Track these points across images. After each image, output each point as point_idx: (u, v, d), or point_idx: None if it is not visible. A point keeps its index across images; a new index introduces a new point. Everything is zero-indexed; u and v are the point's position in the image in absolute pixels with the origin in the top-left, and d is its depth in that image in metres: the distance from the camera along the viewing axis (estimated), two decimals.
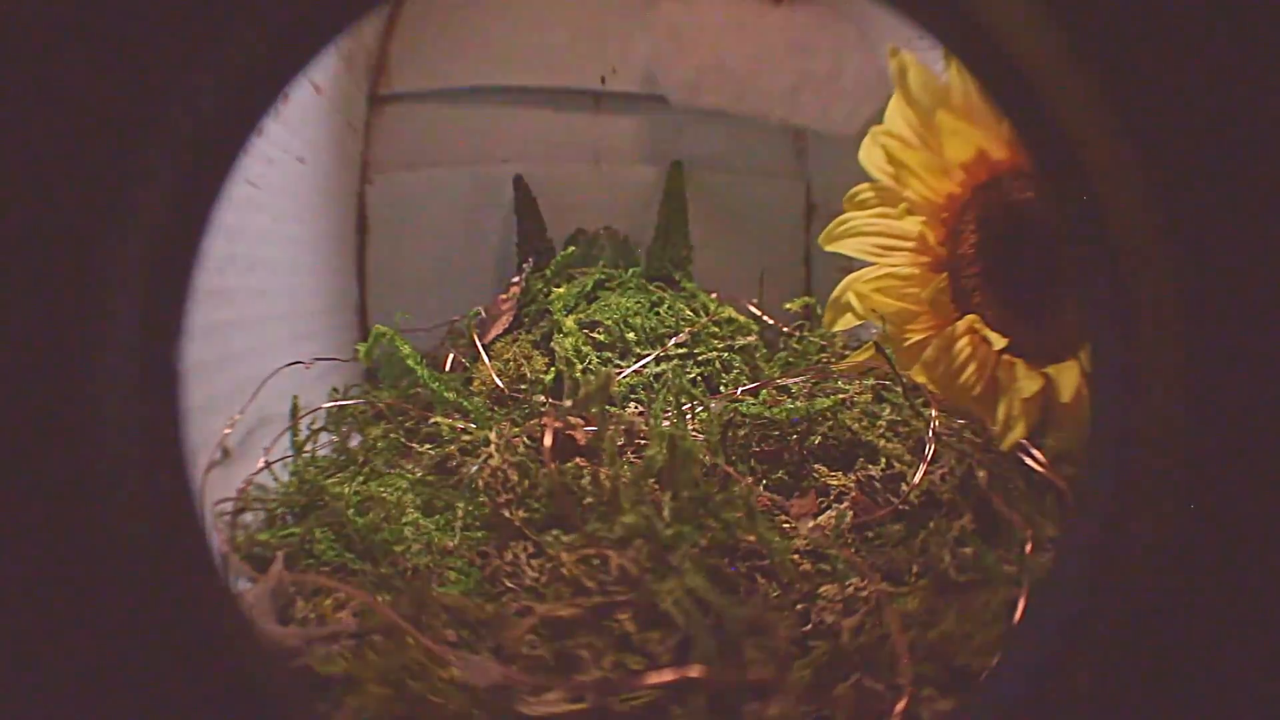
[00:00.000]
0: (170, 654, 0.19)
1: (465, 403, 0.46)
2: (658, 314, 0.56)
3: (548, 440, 0.34)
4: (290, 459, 0.43)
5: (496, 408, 0.47)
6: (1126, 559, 0.20)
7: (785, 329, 0.56)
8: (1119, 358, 0.21)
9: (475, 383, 0.51)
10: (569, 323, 0.53)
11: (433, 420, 0.45)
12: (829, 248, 0.43)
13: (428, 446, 0.44)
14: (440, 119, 0.69)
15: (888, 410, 0.41)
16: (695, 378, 0.51)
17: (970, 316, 0.38)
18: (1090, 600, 0.21)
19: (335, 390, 0.52)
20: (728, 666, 0.24)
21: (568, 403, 0.38)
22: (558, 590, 0.29)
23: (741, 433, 0.41)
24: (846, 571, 0.31)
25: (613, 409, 0.42)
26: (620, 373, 0.49)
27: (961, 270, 0.39)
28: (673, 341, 0.52)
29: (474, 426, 0.44)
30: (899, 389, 0.41)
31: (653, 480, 0.32)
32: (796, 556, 0.32)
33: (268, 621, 0.28)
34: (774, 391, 0.45)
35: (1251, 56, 0.18)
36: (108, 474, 0.18)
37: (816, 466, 0.39)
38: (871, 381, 0.43)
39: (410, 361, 0.48)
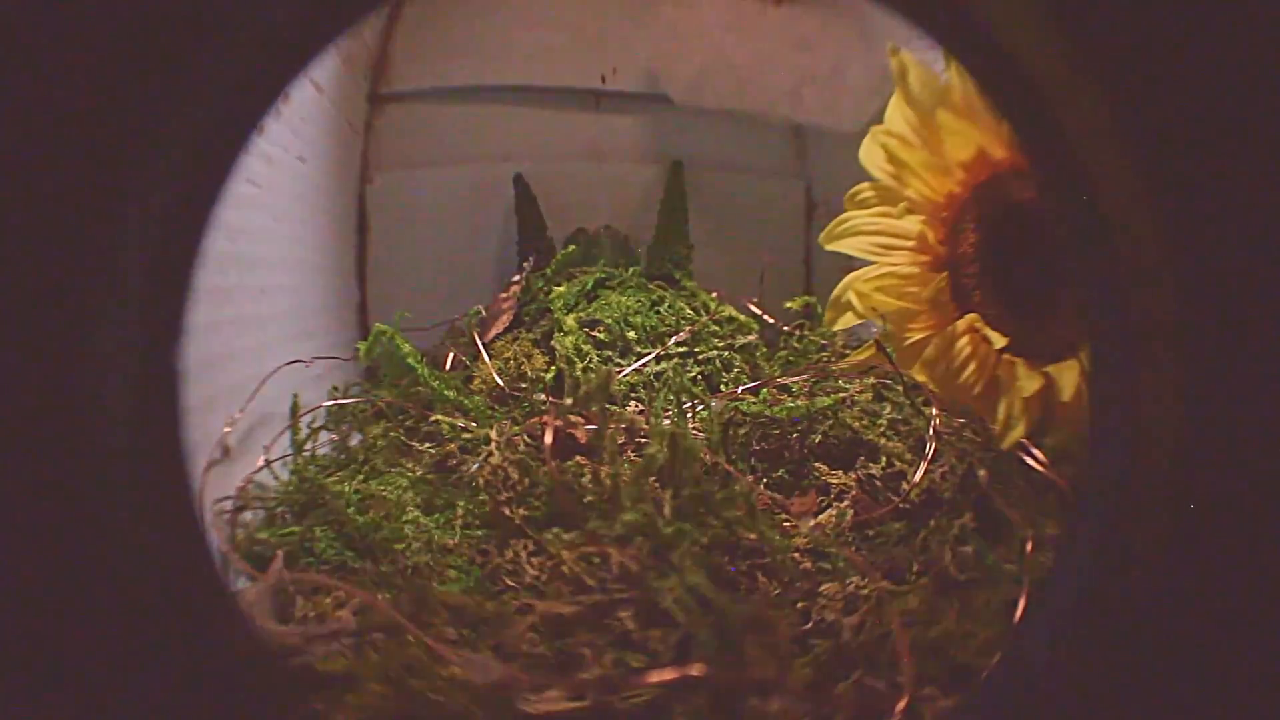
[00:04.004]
0: (169, 653, 0.19)
1: (465, 401, 0.46)
2: (658, 313, 0.56)
3: (548, 438, 0.34)
4: (290, 457, 0.43)
5: (497, 406, 0.47)
6: (1126, 559, 0.20)
7: (786, 328, 0.56)
8: (1119, 358, 0.21)
9: (475, 381, 0.51)
10: (569, 321, 0.53)
11: (433, 419, 0.45)
12: (829, 247, 0.43)
13: (428, 445, 0.44)
14: (440, 118, 0.70)
15: (888, 409, 0.41)
16: (696, 376, 0.51)
17: (970, 315, 0.38)
18: (1090, 600, 0.21)
19: (335, 389, 0.52)
20: (728, 664, 0.24)
21: (568, 401, 0.38)
22: (558, 588, 0.29)
23: (742, 431, 0.41)
24: (847, 570, 0.31)
25: (613, 407, 0.42)
26: (621, 371, 0.49)
27: (962, 269, 0.39)
28: (673, 340, 0.52)
29: (474, 425, 0.44)
30: (899, 388, 0.41)
31: (653, 478, 0.32)
32: (797, 555, 0.32)
33: (267, 620, 0.28)
34: (774, 390, 0.45)
35: (1251, 57, 0.18)
36: (108, 473, 0.18)
37: (817, 465, 0.39)
38: (872, 380, 0.43)
39: (410, 360, 0.48)
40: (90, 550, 0.18)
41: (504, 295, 0.61)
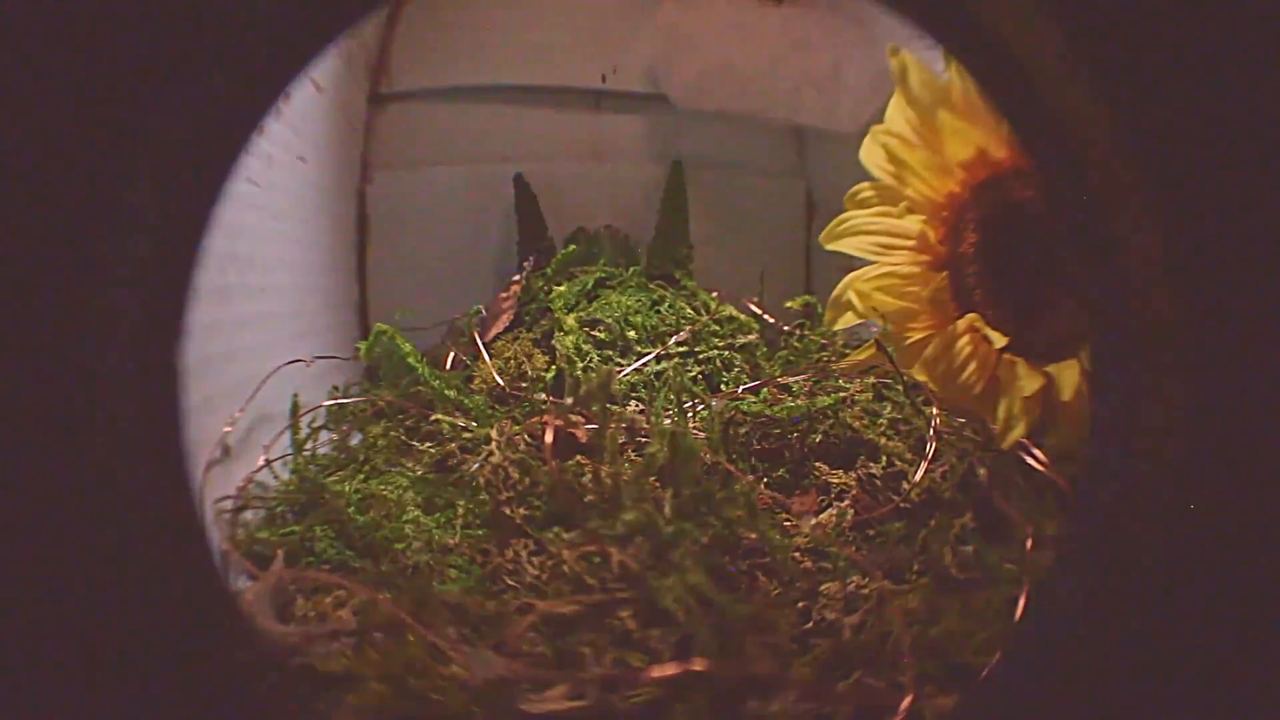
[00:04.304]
0: (170, 653, 0.19)
1: (466, 401, 0.46)
2: (658, 312, 0.56)
3: (549, 438, 0.34)
4: (290, 457, 0.43)
5: (497, 405, 0.47)
6: (1126, 559, 0.20)
7: (786, 327, 0.56)
8: (1119, 358, 0.21)
9: (476, 381, 0.51)
10: (570, 321, 0.53)
11: (433, 418, 0.45)
12: (829, 246, 0.43)
13: (428, 444, 0.44)
14: (440, 118, 0.70)
15: (888, 408, 0.41)
16: (696, 376, 0.51)
17: (971, 315, 0.38)
18: (1090, 599, 0.21)
19: (335, 388, 0.52)
20: (729, 663, 0.24)
21: (569, 400, 0.38)
22: (559, 587, 0.29)
23: (742, 431, 0.41)
24: (848, 569, 0.31)
25: (614, 407, 0.42)
26: (621, 371, 0.49)
27: (962, 269, 0.39)
28: (673, 340, 0.52)
29: (475, 424, 0.44)
30: (900, 387, 0.41)
31: (654, 478, 0.32)
32: (798, 554, 0.32)
33: (267, 620, 0.28)
34: (775, 390, 0.45)
35: (1251, 56, 0.18)
36: (108, 473, 0.18)
37: (817, 464, 0.39)
38: (872, 380, 0.43)
39: (411, 359, 0.48)
40: (91, 550, 0.18)
41: (504, 295, 0.61)
